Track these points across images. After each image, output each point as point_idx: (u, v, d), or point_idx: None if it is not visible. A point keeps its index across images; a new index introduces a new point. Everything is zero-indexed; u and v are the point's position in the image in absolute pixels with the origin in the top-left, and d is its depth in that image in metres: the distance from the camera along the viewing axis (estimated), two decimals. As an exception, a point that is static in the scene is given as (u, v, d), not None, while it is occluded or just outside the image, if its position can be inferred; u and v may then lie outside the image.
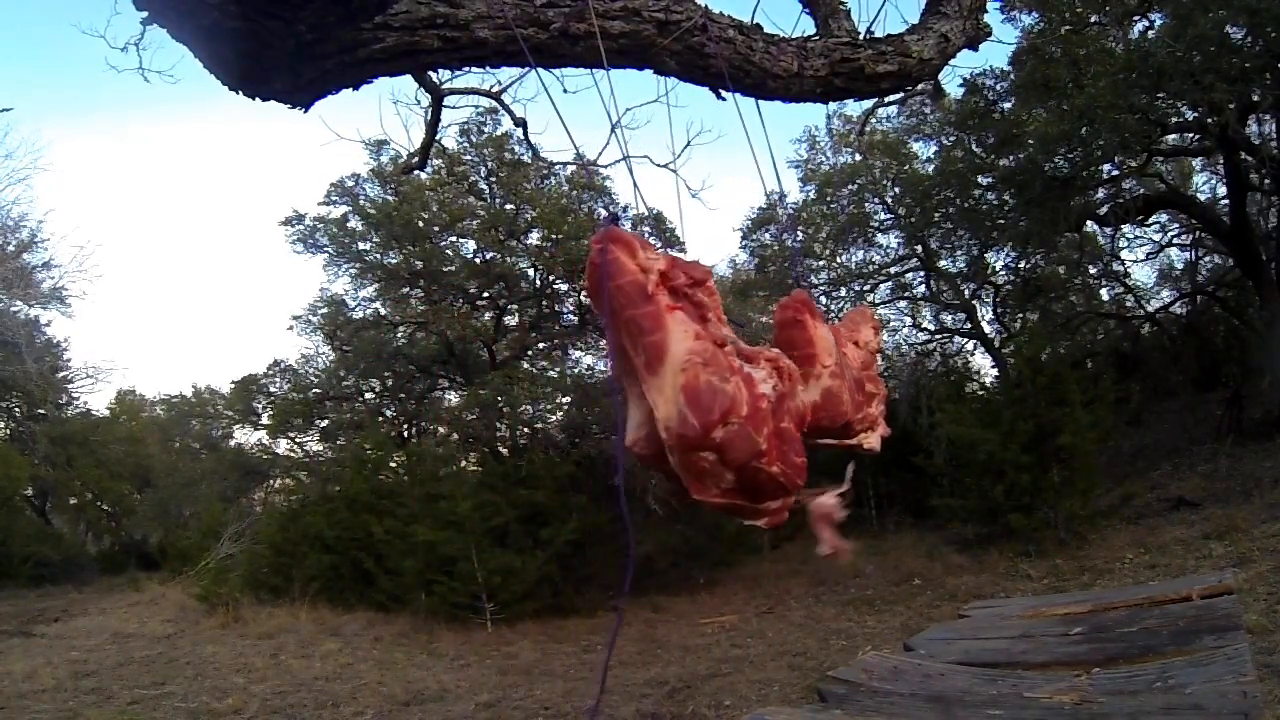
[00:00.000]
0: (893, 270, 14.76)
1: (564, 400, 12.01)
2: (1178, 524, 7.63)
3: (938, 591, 7.40)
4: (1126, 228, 13.25)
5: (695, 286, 1.04)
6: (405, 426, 14.09)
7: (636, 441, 1.05)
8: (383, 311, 13.20)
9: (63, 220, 45.86)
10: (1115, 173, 10.83)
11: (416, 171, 8.44)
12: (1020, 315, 14.10)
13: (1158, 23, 9.48)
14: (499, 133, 11.77)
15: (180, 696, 5.92)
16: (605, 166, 10.29)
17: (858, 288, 14.45)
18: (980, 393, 12.75)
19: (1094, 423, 8.30)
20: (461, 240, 12.71)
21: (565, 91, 3.78)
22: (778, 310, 1.66)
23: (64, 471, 16.73)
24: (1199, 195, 13.34)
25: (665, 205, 15.06)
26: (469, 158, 12.21)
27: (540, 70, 2.07)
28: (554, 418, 12.04)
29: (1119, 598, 3.78)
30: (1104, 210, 11.72)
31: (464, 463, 11.89)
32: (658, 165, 4.37)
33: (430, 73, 3.45)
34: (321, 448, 14.56)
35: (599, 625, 8.16)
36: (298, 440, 14.94)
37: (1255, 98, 9.10)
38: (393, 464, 11.51)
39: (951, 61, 2.57)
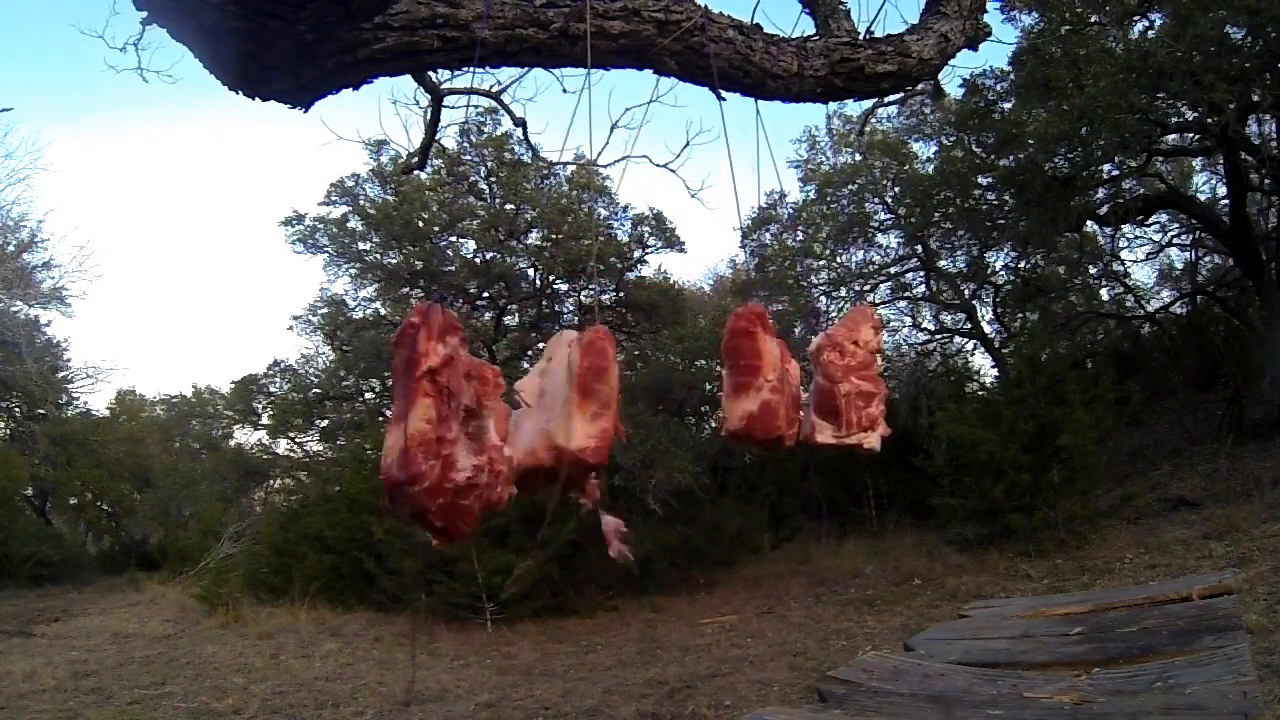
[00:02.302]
0: (893, 270, 14.76)
1: (564, 400, 11.98)
2: (1178, 524, 7.63)
3: (938, 591, 7.40)
4: (1126, 228, 13.26)
5: (469, 380, 1.36)
6: (405, 426, 14.06)
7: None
8: (383, 311, 13.21)
9: (63, 220, 45.83)
10: (1115, 173, 10.84)
11: (416, 171, 8.45)
12: (1020, 315, 14.10)
13: (1158, 23, 9.48)
14: (499, 133, 11.79)
15: (180, 696, 5.92)
16: (605, 166, 10.29)
17: (858, 288, 14.44)
18: (980, 393, 12.76)
19: (1094, 423, 8.30)
20: (461, 240, 12.74)
21: (565, 91, 3.79)
22: (731, 319, 1.78)
23: (64, 471, 16.72)
24: (1199, 195, 13.37)
25: (666, 205, 15.06)
26: (469, 158, 12.22)
27: (540, 70, 2.07)
28: (554, 418, 12.02)
29: (1119, 598, 3.78)
30: (1104, 210, 11.72)
31: (464, 463, 11.85)
32: (657, 165, 4.37)
33: (430, 73, 3.45)
34: (321, 448, 14.59)
35: (599, 625, 8.16)
36: (298, 440, 14.97)
37: (1255, 98, 9.11)
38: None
39: (951, 61, 2.58)
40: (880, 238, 14.55)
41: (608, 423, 1.54)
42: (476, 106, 10.61)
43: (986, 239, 12.51)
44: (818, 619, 7.27)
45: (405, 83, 9.68)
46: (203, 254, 44.44)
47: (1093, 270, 14.09)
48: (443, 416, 1.34)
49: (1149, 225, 13.52)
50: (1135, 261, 17.92)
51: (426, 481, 1.31)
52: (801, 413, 1.94)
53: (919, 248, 14.14)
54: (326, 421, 14.10)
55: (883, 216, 14.22)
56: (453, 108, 9.48)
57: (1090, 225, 12.48)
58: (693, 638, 7.17)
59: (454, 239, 12.68)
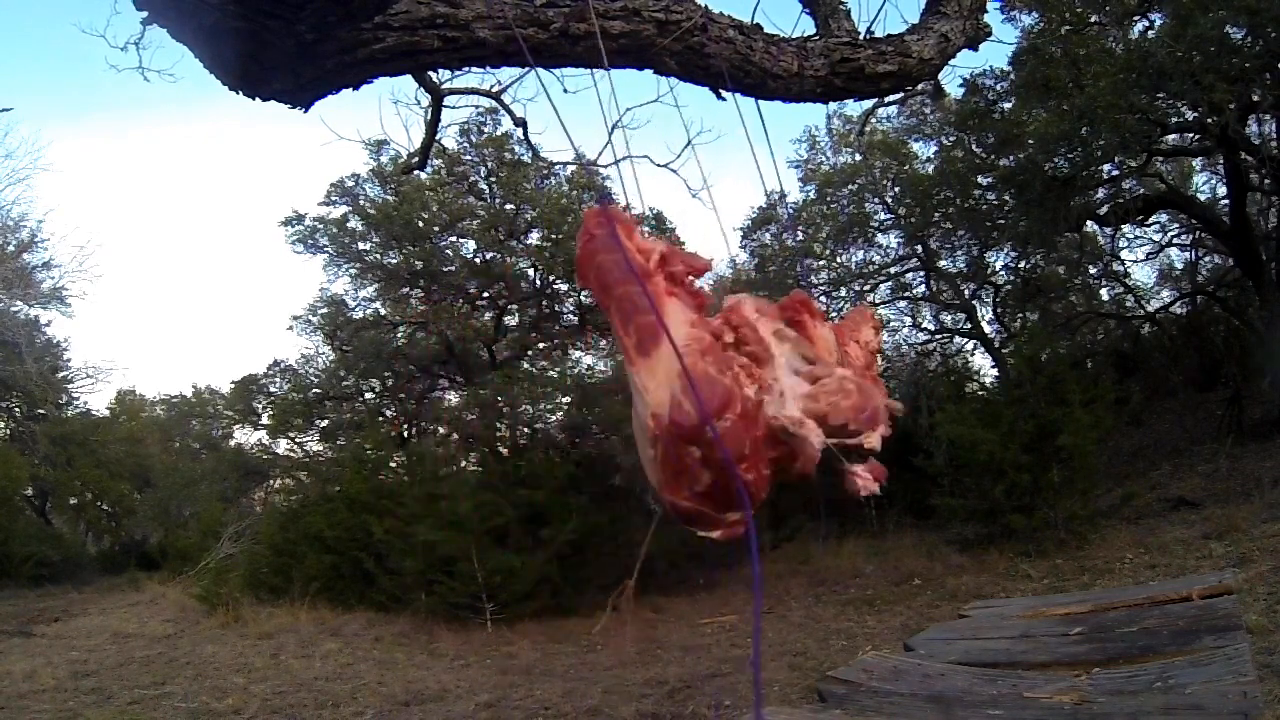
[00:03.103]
0: (893, 270, 14.77)
1: (564, 400, 12.01)
2: (1178, 524, 7.63)
3: (938, 591, 7.39)
4: (1126, 228, 13.27)
5: (694, 275, 0.99)
6: (405, 426, 14.09)
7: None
8: (383, 311, 13.21)
9: (63, 220, 45.84)
10: (1115, 173, 10.84)
11: (416, 171, 8.44)
12: (1020, 315, 14.11)
13: (1158, 23, 9.48)
14: (499, 133, 11.78)
15: (180, 696, 5.92)
16: (605, 166, 10.28)
17: (858, 288, 14.46)
18: (980, 393, 12.75)
19: (1094, 423, 8.30)
20: (461, 240, 12.73)
21: (565, 91, 3.79)
22: (779, 311, 1.65)
23: (64, 471, 16.72)
24: (1199, 195, 13.37)
25: (666, 205, 15.06)
26: (469, 158, 12.22)
27: (540, 70, 2.07)
28: (554, 418, 12.05)
29: (1119, 598, 3.78)
30: (1104, 210, 11.72)
31: (464, 463, 11.89)
32: (658, 165, 4.38)
33: (430, 73, 3.45)
34: (321, 448, 14.59)
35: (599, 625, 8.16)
36: (298, 440, 14.97)
37: (1255, 98, 9.10)
38: (393, 464, 11.51)
39: (951, 61, 2.57)
40: (880, 238, 14.59)
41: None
42: (477, 106, 10.63)
43: (986, 239, 12.52)
44: (818, 619, 7.27)
45: (405, 83, 9.68)
46: (203, 254, 44.47)
47: (1093, 270, 14.10)
48: (702, 313, 0.97)
49: (1149, 225, 13.53)
50: (1135, 261, 17.94)
51: (739, 403, 0.89)
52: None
53: (919, 248, 14.14)
54: (326, 421, 14.10)
55: (883, 216, 14.24)
56: (453, 108, 9.49)
57: (1090, 225, 12.49)
58: (693, 638, 7.17)
59: (454, 239, 12.68)
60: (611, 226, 0.94)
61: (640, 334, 0.89)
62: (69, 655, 7.54)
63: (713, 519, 0.94)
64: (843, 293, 14.32)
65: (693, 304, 0.96)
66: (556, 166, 11.13)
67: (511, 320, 13.15)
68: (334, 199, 12.37)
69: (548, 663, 6.79)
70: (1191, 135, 10.74)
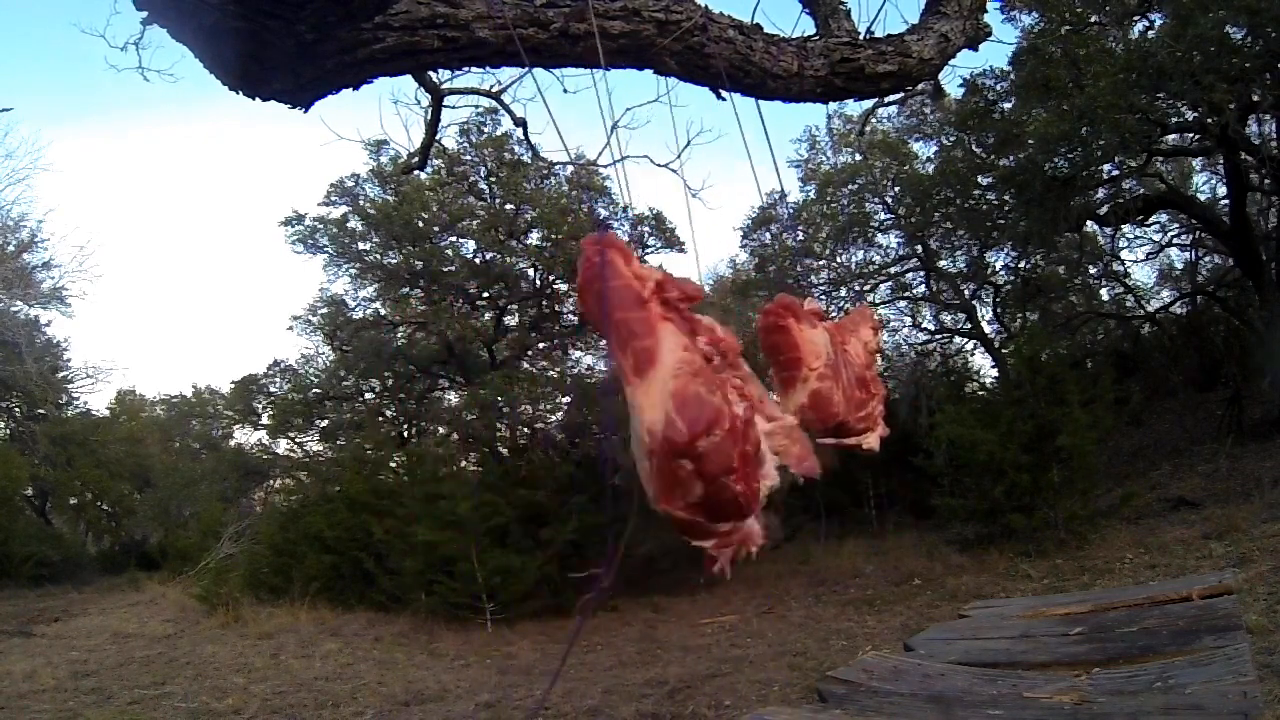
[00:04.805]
0: (893, 270, 14.77)
1: (564, 400, 12.02)
2: (1178, 524, 7.63)
3: (938, 591, 7.39)
4: (1126, 228, 13.27)
5: (686, 302, 1.06)
6: (405, 426, 14.10)
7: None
8: (383, 311, 13.21)
9: (63, 220, 45.89)
10: (1115, 173, 10.84)
11: (416, 171, 8.44)
12: (1020, 315, 14.10)
13: (1158, 23, 9.49)
14: (499, 133, 11.78)
15: (180, 696, 5.92)
16: (605, 166, 10.30)
17: (858, 288, 14.46)
18: (980, 393, 12.75)
19: (1093, 423, 8.30)
20: (461, 240, 12.73)
21: (565, 91, 3.79)
22: (760, 317, 1.68)
23: (64, 471, 16.73)
24: (1199, 195, 13.37)
25: (665, 205, 15.05)
26: (469, 158, 12.22)
27: (540, 70, 2.07)
28: (554, 418, 12.06)
29: (1119, 598, 3.78)
30: (1104, 210, 11.72)
31: (464, 463, 11.90)
32: (658, 165, 4.38)
33: (430, 73, 3.45)
34: (321, 448, 14.60)
35: (599, 625, 8.15)
36: (298, 440, 14.98)
37: (1255, 98, 9.10)
38: (393, 464, 11.52)
39: (951, 61, 2.58)
40: (880, 238, 14.59)
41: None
42: (477, 106, 10.63)
43: (986, 239, 12.52)
44: (818, 619, 7.27)
45: (405, 83, 9.69)
46: (203, 254, 44.48)
47: (1093, 270, 14.10)
48: (695, 338, 1.04)
49: (1149, 225, 13.53)
50: (1135, 261, 17.96)
51: (728, 422, 0.98)
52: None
53: (919, 248, 14.14)
54: (326, 421, 14.10)
55: (883, 216, 14.24)
56: (453, 108, 9.48)
57: (1090, 225, 12.49)
58: (693, 638, 7.17)
59: (454, 239, 12.68)
60: (610, 254, 1.01)
61: (637, 357, 0.98)
62: (69, 655, 7.54)
63: (706, 529, 1.02)
64: (843, 293, 14.32)
65: (685, 328, 1.03)
66: (556, 167, 11.14)
67: (511, 320, 13.16)
68: (334, 199, 12.38)
69: (548, 663, 6.79)
70: (1191, 135, 10.74)
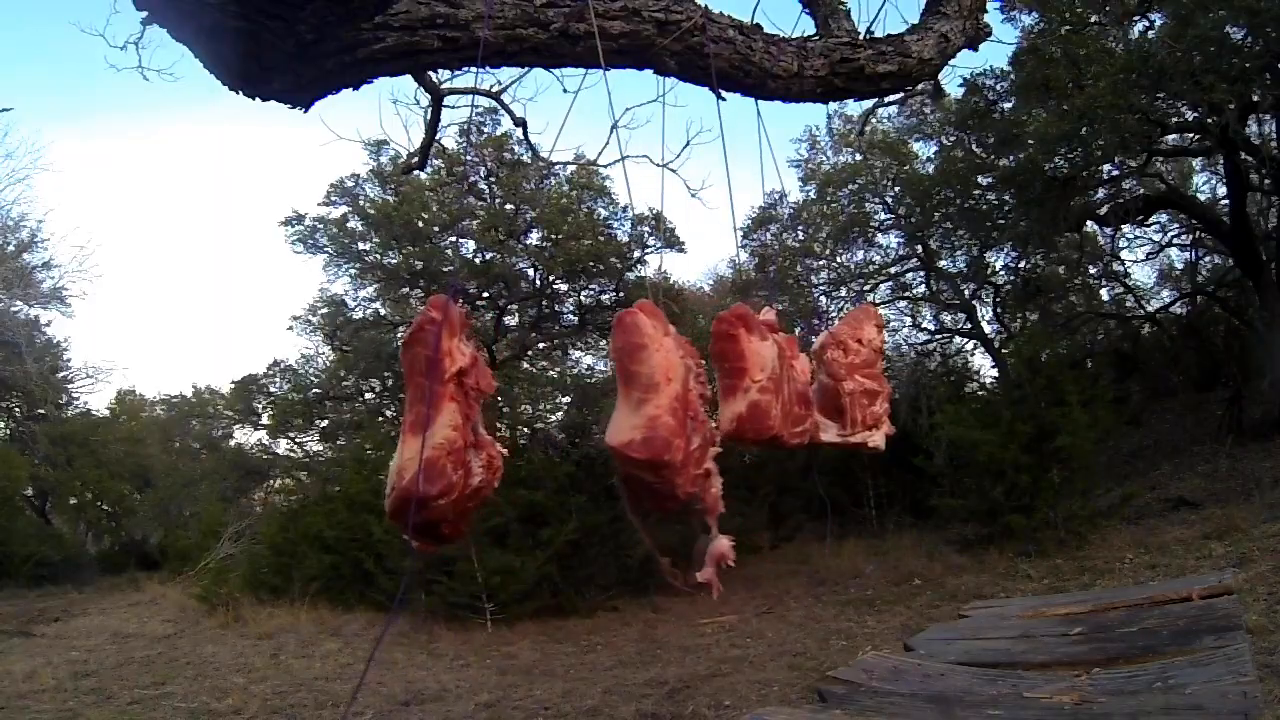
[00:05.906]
0: (893, 270, 14.77)
1: (564, 400, 12.02)
2: (1178, 524, 7.63)
3: (938, 591, 7.39)
4: (1126, 228, 13.26)
5: (479, 393, 1.30)
6: (405, 426, 14.08)
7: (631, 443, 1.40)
8: (383, 311, 13.22)
9: (63, 220, 45.77)
10: (1115, 173, 10.84)
11: (416, 171, 8.45)
12: (1020, 315, 14.10)
13: (1158, 23, 9.48)
14: (499, 133, 11.79)
15: (180, 696, 5.91)
16: (605, 166, 10.30)
17: (858, 288, 14.45)
18: (980, 393, 12.75)
19: (1093, 423, 8.29)
20: (461, 240, 12.73)
21: (565, 91, 3.79)
22: (714, 323, 1.74)
23: (64, 471, 16.72)
24: (1199, 195, 13.37)
25: (666, 205, 15.06)
26: (469, 158, 12.22)
27: (539, 70, 2.07)
28: (554, 418, 12.06)
29: (1119, 598, 3.78)
30: (1104, 210, 11.72)
31: (464, 463, 11.86)
32: (657, 165, 4.37)
33: (430, 73, 3.45)
34: (321, 448, 14.60)
35: (599, 625, 8.15)
36: (298, 440, 14.99)
37: (1255, 98, 9.10)
38: (393, 464, 11.49)
39: (951, 61, 2.58)
40: (880, 238, 14.58)
41: (658, 408, 1.36)
42: (477, 107, 10.62)
43: (986, 239, 12.51)
44: (818, 619, 7.26)
45: (405, 83, 9.68)
46: (203, 254, 44.43)
47: (1093, 270, 14.10)
48: (467, 421, 1.25)
49: (1149, 225, 13.53)
50: (1135, 261, 17.93)
51: (455, 493, 1.22)
52: (813, 410, 1.91)
53: (919, 248, 14.14)
54: (326, 421, 14.11)
55: (883, 216, 14.23)
56: (453, 108, 9.48)
57: (1090, 225, 12.49)
58: (693, 638, 7.16)
59: (454, 239, 12.68)
60: (437, 324, 1.22)
61: (417, 418, 1.22)
62: (69, 655, 7.54)
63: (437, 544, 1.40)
64: (843, 293, 14.32)
65: (463, 411, 1.25)
66: (556, 166, 11.14)
67: (511, 320, 13.16)
68: (334, 199, 12.39)
69: (547, 663, 6.79)
70: (1191, 135, 10.74)
